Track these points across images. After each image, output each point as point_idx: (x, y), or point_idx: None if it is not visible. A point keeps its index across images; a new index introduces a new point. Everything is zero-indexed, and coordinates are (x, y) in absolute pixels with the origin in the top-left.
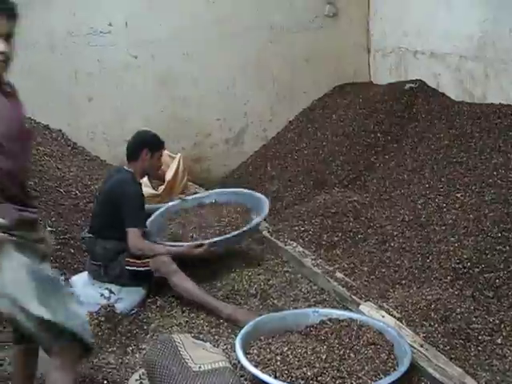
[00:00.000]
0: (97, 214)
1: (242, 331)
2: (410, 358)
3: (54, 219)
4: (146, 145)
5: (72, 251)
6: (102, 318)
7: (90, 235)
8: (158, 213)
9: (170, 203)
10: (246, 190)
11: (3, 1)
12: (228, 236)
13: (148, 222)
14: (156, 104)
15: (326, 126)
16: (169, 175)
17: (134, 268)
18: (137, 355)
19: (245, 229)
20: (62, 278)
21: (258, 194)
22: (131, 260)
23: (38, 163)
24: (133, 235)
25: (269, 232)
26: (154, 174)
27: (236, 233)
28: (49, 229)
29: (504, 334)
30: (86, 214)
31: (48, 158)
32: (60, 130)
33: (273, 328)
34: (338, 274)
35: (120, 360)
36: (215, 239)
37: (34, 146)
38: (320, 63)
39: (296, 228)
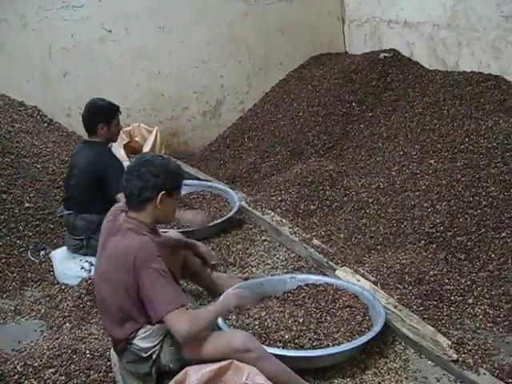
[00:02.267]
0: (74, 189)
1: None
2: (384, 319)
3: (32, 195)
4: (99, 119)
5: (51, 226)
6: (83, 291)
7: (69, 211)
8: None
9: None
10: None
11: None
12: (224, 219)
13: None
14: (132, 78)
15: (302, 97)
16: (146, 148)
17: None
18: None
19: (232, 213)
20: (43, 252)
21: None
22: None
23: (14, 140)
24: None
25: (247, 202)
26: (116, 139)
27: (231, 214)
28: (27, 205)
29: (475, 294)
30: (64, 190)
31: (24, 135)
32: (35, 107)
33: (251, 295)
34: (315, 241)
35: (102, 330)
36: (219, 221)
37: (9, 123)
38: (295, 34)
39: (273, 198)
